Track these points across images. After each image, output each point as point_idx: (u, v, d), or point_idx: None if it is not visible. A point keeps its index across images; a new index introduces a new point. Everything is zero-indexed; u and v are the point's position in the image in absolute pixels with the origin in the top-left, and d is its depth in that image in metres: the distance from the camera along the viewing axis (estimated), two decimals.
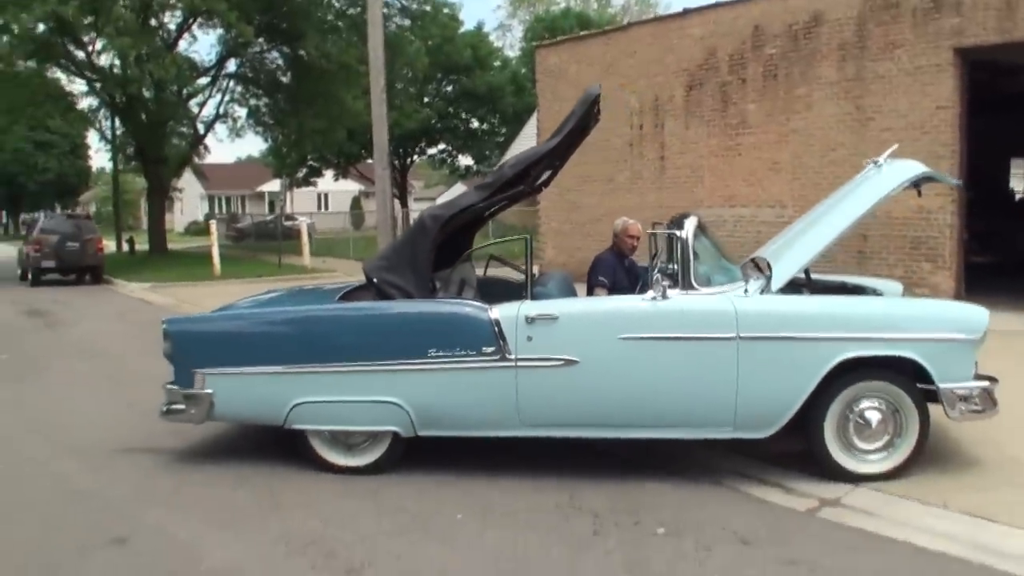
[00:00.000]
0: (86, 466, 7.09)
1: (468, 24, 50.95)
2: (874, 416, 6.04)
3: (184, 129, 36.05)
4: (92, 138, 62.39)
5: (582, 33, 24.72)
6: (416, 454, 6.59)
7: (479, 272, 8.01)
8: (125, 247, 39.01)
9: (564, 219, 20.70)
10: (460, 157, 55.88)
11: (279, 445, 6.97)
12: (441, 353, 6.20)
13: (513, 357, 6.12)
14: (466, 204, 6.93)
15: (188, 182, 59.68)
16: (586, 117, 7.22)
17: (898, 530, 5.29)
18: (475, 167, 54.84)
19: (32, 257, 25.71)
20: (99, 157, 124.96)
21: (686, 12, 17.95)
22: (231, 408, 6.71)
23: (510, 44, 65.35)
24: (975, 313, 6.21)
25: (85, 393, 10.07)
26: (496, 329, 6.14)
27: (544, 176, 7.56)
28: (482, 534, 5.44)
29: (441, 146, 54.93)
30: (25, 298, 21.99)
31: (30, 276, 25.86)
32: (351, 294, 7.14)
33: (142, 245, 38.14)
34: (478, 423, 6.34)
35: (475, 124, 53.36)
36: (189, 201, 70.07)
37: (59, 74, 32.81)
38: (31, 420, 8.73)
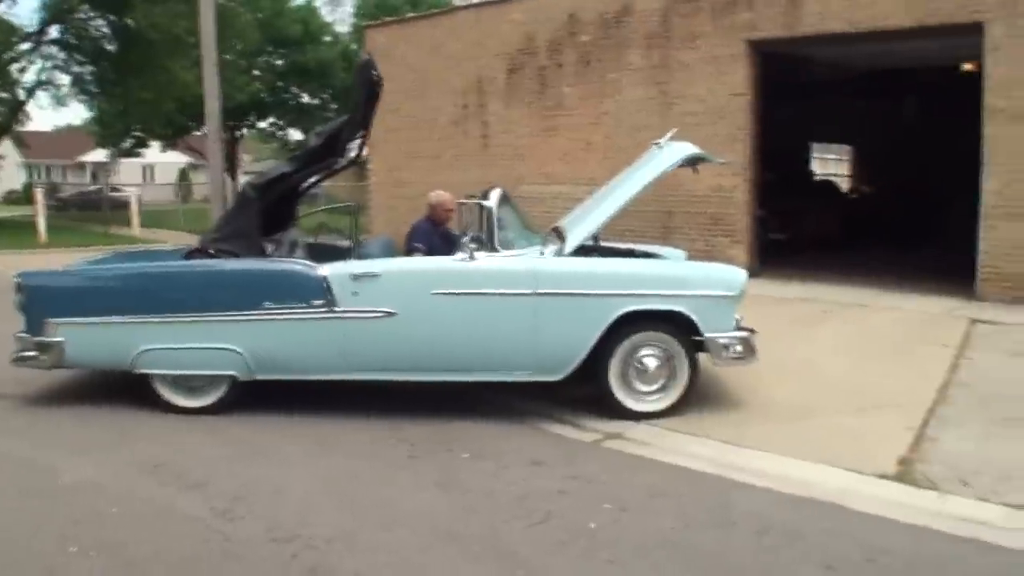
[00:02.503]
0: None
1: None
2: (651, 362, 6.98)
3: (5, 95, 34.86)
4: None
5: (409, 15, 25.29)
6: (253, 397, 7.22)
7: (310, 239, 8.65)
8: None
9: (392, 194, 21.08)
10: (290, 131, 55.49)
11: (122, 393, 7.46)
12: (274, 305, 6.90)
13: (340, 309, 6.87)
14: (281, 173, 7.65)
15: (5, 150, 57.36)
16: (369, 84, 7.75)
17: (668, 456, 6.22)
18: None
19: None
20: None
21: None
22: (81, 354, 7.22)
23: (340, 19, 64.92)
24: (734, 273, 7.30)
25: None
26: (325, 285, 6.87)
27: (354, 147, 8.02)
28: (313, 459, 6.18)
29: (271, 120, 54.44)
30: None
31: None
32: (193, 253, 7.69)
33: None
34: (309, 367, 7.06)
35: (305, 99, 53.00)
36: (6, 169, 67.22)
37: None
38: None
